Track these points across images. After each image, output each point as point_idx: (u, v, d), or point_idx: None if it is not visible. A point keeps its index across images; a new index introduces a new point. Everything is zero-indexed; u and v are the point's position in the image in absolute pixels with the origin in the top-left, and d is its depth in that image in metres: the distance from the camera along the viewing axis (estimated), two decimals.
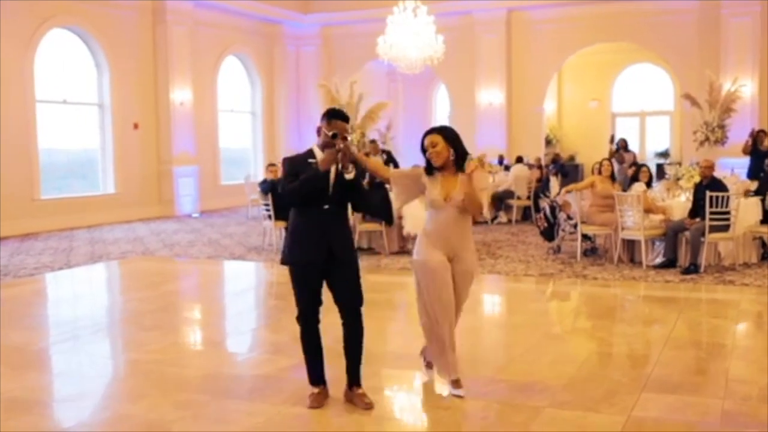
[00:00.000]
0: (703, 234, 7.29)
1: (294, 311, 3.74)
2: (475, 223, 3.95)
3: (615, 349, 4.99)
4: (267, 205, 9.02)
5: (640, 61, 17.20)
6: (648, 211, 7.68)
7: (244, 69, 16.23)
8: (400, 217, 8.71)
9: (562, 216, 8.45)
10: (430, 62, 11.57)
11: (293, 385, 3.98)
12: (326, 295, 3.72)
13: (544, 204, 8.92)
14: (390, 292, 7.13)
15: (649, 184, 8.37)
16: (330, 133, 3.51)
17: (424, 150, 3.72)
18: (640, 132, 18.07)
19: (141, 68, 13.45)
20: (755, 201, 7.75)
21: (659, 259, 7.70)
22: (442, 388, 3.92)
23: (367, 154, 10.53)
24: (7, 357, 4.78)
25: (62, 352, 5.07)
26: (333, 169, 3.54)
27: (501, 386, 4.01)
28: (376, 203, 3.82)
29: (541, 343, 4.89)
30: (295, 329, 3.77)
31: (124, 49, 13.07)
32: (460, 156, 3.66)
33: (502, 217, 12.00)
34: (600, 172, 8.14)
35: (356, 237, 8.78)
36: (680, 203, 8.07)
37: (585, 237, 8.32)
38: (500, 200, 11.86)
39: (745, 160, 11.16)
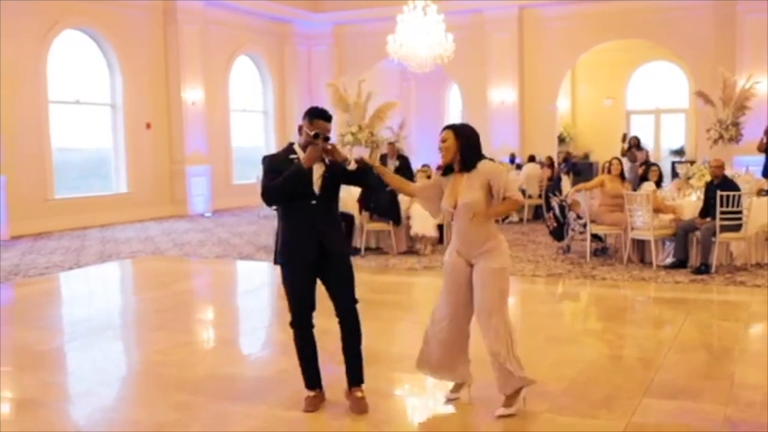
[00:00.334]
0: (714, 234, 7.18)
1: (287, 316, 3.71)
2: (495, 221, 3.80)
3: (619, 352, 4.92)
4: None
5: (655, 58, 16.99)
6: (657, 210, 7.57)
7: (255, 68, 16.29)
8: (408, 218, 8.69)
9: (571, 215, 8.36)
10: (440, 61, 11.51)
11: (294, 386, 3.94)
12: (319, 299, 3.70)
13: (555, 203, 8.84)
14: (397, 293, 7.11)
15: (658, 184, 8.27)
16: (312, 133, 3.49)
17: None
18: (655, 130, 17.87)
19: (153, 68, 13.55)
20: None
21: (669, 260, 7.59)
22: (443, 390, 3.87)
23: (384, 156, 10.50)
24: (7, 357, 4.84)
25: (64, 352, 5.12)
26: (318, 166, 3.51)
27: None
28: (378, 184, 3.76)
29: (543, 346, 4.84)
30: None
31: (135, 50, 13.17)
32: (466, 155, 3.55)
33: (513, 216, 11.92)
34: (609, 171, 8.05)
35: (364, 236, 8.78)
36: (691, 202, 7.96)
37: (595, 237, 8.24)
38: None
39: (760, 158, 10.98)
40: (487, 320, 3.53)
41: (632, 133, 14.70)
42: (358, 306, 3.66)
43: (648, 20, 14.23)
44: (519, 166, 13.11)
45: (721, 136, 11.94)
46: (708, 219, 7.32)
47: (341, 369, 3.71)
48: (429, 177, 8.53)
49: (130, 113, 13.20)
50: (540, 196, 11.87)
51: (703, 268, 7.15)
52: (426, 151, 16.48)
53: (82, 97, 12.71)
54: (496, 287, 3.53)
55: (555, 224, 8.59)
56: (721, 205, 7.11)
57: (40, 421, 3.73)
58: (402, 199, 8.61)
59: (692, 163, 10.32)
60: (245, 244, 10.01)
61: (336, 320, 3.66)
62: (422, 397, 4.01)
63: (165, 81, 13.77)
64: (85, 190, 12.86)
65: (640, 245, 7.83)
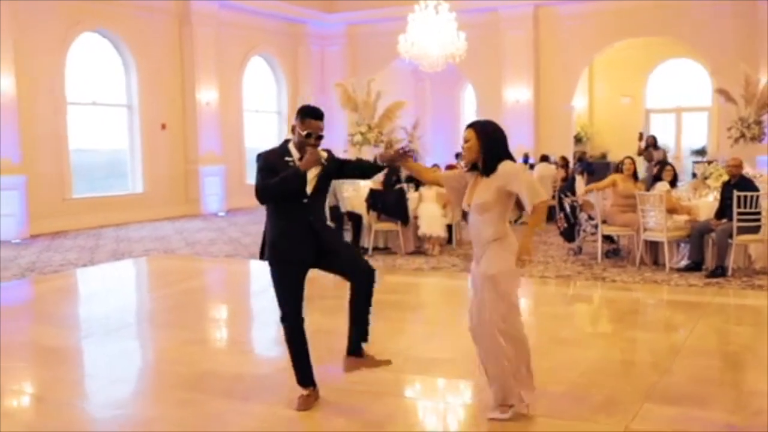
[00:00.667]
0: (730, 235, 6.98)
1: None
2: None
3: (624, 356, 4.80)
4: None
5: (676, 55, 16.65)
6: (671, 211, 7.39)
7: (269, 69, 16.34)
8: (416, 218, 8.62)
9: (582, 216, 8.22)
10: (452, 60, 11.42)
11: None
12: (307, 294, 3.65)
13: (566, 203, 8.69)
14: (404, 293, 7.04)
15: (673, 183, 8.06)
16: (304, 133, 3.47)
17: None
18: (676, 129, 17.53)
19: (168, 69, 13.66)
20: None
21: (684, 262, 7.40)
22: (450, 392, 3.82)
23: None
24: (6, 354, 4.88)
25: (68, 350, 5.14)
26: (314, 169, 3.51)
27: None
28: (370, 167, 3.78)
29: (545, 348, 4.72)
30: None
31: (151, 51, 13.29)
32: (487, 157, 3.35)
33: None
34: (621, 171, 7.88)
35: (372, 236, 8.73)
36: (707, 203, 7.75)
37: (607, 238, 8.07)
38: None
39: None
40: (479, 329, 3.41)
41: (652, 132, 14.45)
42: None
43: (667, 17, 13.97)
44: (532, 166, 12.95)
45: (742, 135, 11.67)
46: (724, 220, 7.13)
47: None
48: None
49: (145, 114, 13.32)
50: (553, 197, 11.69)
51: (719, 271, 6.96)
52: (442, 151, 16.39)
53: (99, 98, 12.86)
54: (487, 296, 3.35)
55: (566, 225, 8.45)
56: (739, 206, 6.91)
57: (34, 418, 3.74)
58: (409, 198, 8.54)
59: (710, 162, 10.07)
60: (255, 243, 10.00)
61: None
62: (417, 398, 3.95)
63: (180, 82, 13.88)
64: (102, 190, 13.01)
65: (654, 247, 7.65)
